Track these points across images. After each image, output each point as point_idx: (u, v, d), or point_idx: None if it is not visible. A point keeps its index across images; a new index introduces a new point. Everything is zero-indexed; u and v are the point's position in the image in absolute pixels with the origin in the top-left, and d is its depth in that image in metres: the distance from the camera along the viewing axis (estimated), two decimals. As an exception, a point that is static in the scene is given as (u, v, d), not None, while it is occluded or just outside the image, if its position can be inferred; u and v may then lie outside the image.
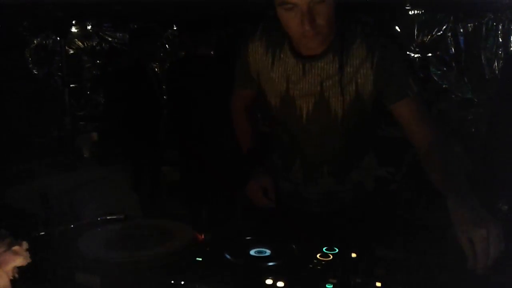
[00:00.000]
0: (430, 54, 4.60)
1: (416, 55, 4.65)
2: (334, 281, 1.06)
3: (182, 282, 1.08)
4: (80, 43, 5.53)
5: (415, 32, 4.61)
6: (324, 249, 1.22)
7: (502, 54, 4.26)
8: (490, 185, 2.16)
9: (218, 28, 5.09)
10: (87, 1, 4.15)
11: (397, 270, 1.11)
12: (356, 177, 1.64)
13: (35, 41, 5.25)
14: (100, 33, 5.63)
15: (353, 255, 1.19)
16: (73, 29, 5.46)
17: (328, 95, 1.46)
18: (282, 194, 1.68)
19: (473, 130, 4.44)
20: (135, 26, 5.34)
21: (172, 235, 1.30)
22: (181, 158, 3.96)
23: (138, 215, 1.92)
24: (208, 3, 4.27)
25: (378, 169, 1.70)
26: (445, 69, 4.58)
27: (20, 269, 1.12)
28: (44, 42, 5.30)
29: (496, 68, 4.30)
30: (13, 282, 1.10)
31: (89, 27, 5.54)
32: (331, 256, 1.19)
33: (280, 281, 1.06)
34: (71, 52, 5.45)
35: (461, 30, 4.45)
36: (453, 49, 4.51)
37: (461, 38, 4.46)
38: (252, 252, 1.22)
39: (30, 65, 5.22)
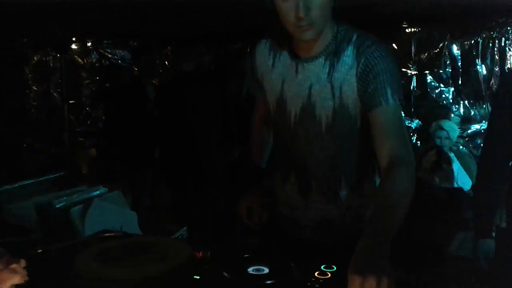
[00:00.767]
0: (427, 71, 4.64)
1: (413, 72, 4.69)
2: (332, 299, 1.05)
3: (180, 301, 1.08)
4: (79, 60, 5.57)
5: (412, 49, 4.66)
6: (322, 267, 1.22)
7: (499, 71, 4.31)
8: (487, 202, 2.16)
9: (212, 45, 5.14)
10: (87, 18, 4.19)
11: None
12: (355, 204, 1.56)
13: (35, 58, 5.28)
14: (100, 50, 5.67)
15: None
16: (73, 46, 5.50)
17: (314, 99, 1.47)
18: (279, 220, 1.66)
19: (470, 146, 4.46)
20: (135, 43, 5.39)
21: (170, 253, 1.30)
22: (178, 175, 3.96)
23: (136, 233, 1.92)
24: (203, 22, 4.31)
25: None
26: (442, 86, 4.61)
27: (17, 287, 1.11)
28: (44, 58, 5.34)
29: (493, 85, 4.34)
30: (10, 300, 1.10)
31: (89, 44, 5.59)
32: (329, 274, 1.19)
33: (278, 299, 1.06)
34: (71, 68, 5.48)
35: (458, 48, 4.50)
36: (450, 67, 4.56)
37: (458, 56, 4.51)
38: (250, 270, 1.22)
39: (30, 82, 5.25)
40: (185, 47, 3.90)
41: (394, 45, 4.64)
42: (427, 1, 3.63)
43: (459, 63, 4.51)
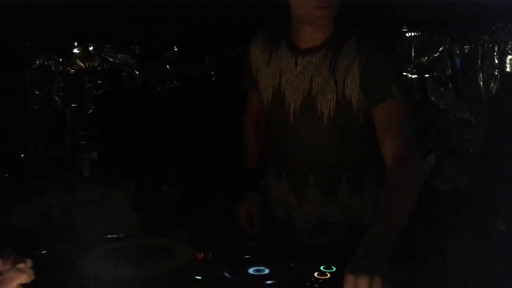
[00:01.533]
0: (427, 75, 4.66)
1: (413, 76, 4.71)
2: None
3: (182, 300, 1.09)
4: (81, 64, 5.60)
5: (412, 53, 4.68)
6: (321, 267, 1.23)
7: (498, 75, 4.32)
8: (487, 204, 2.18)
9: (214, 50, 5.16)
10: (89, 23, 4.22)
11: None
12: (352, 203, 1.55)
13: (37, 62, 5.31)
14: (102, 54, 5.70)
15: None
16: (75, 50, 5.54)
17: (316, 92, 1.44)
18: (275, 222, 1.65)
19: (470, 149, 4.46)
20: (136, 47, 5.41)
21: (172, 254, 1.32)
22: (181, 178, 3.98)
23: (139, 234, 1.93)
24: (205, 27, 4.34)
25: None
26: (442, 89, 4.63)
27: (24, 286, 1.13)
28: (46, 62, 5.36)
29: (492, 88, 4.35)
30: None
31: (90, 48, 5.62)
32: (329, 275, 1.20)
33: (278, 299, 1.07)
34: (72, 72, 5.50)
35: (458, 52, 4.52)
36: (450, 70, 4.57)
37: (458, 60, 4.52)
38: (251, 271, 1.23)
39: (32, 85, 5.27)
40: (187, 52, 3.91)
41: (394, 49, 4.66)
42: (427, 6, 3.65)
43: (459, 67, 4.52)
